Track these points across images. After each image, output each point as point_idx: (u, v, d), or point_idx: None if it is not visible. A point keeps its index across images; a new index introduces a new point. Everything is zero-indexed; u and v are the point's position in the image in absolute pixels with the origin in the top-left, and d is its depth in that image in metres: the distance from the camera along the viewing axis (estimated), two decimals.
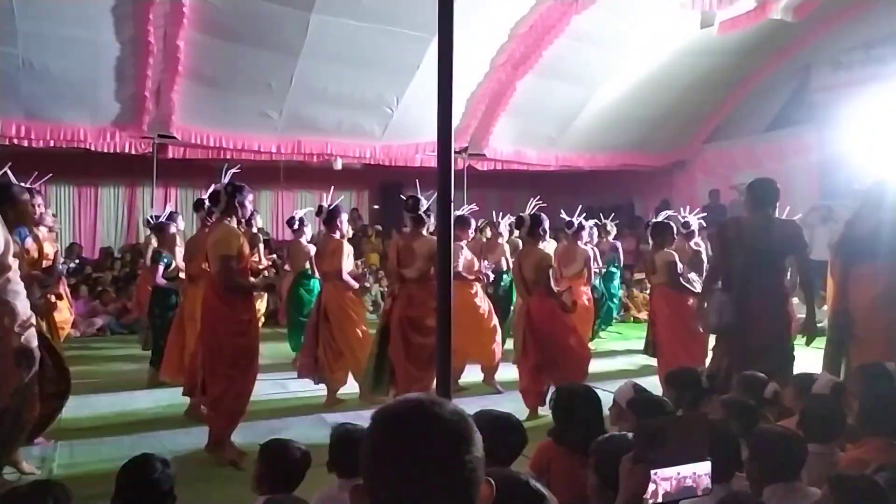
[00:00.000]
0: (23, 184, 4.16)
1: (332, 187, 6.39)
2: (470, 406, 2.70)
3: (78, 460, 4.42)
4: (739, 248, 4.32)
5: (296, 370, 6.25)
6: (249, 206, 4.65)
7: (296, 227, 7.50)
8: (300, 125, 10.12)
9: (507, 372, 6.05)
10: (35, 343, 2.85)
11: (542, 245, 5.70)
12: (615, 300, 9.63)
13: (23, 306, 2.80)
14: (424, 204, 5.30)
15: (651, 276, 6.24)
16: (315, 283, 7.05)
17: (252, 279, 4.66)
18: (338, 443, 2.60)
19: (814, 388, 3.19)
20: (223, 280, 4.36)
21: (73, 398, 5.18)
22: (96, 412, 5.53)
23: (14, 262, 2.79)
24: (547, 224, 5.76)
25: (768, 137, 11.96)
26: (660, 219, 6.41)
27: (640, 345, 7.77)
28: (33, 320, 2.86)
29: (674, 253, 6.23)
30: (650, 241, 6.40)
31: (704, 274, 5.77)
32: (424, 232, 5.37)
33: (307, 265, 7.17)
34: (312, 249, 7.20)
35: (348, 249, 6.02)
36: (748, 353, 4.06)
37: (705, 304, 4.54)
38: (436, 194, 2.80)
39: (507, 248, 8.08)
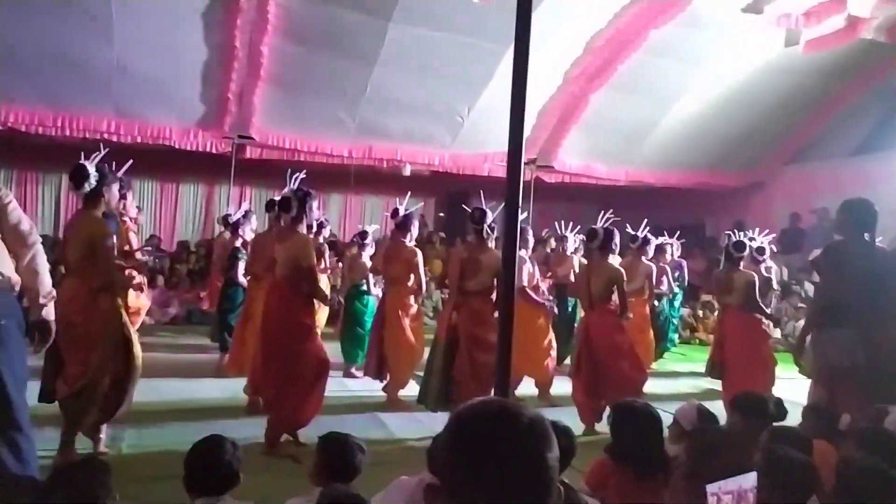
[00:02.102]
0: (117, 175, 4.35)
1: (409, 193, 6.45)
2: None
3: (145, 442, 4.58)
4: (852, 276, 3.93)
5: (345, 377, 6.36)
6: (316, 212, 4.76)
7: (365, 241, 7.29)
8: (372, 131, 10.27)
9: (565, 386, 5.98)
10: (53, 317, 2.98)
11: (611, 259, 5.62)
12: (675, 321, 9.37)
13: (48, 279, 2.92)
14: (490, 216, 5.24)
15: (725, 295, 6.06)
16: (370, 300, 7.09)
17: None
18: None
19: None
20: (309, 289, 4.47)
21: (144, 382, 5.41)
22: (164, 397, 5.73)
23: (38, 238, 2.93)
24: (618, 238, 5.69)
25: (854, 162, 11.50)
26: (740, 238, 6.22)
27: (703, 367, 7.49)
28: (55, 294, 3.00)
29: (754, 273, 6.07)
30: (724, 261, 6.23)
31: (775, 300, 5.49)
32: (490, 245, 5.30)
33: (363, 281, 7.12)
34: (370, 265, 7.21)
35: (420, 258, 6.06)
36: (870, 393, 3.75)
37: (814, 340, 4.13)
38: (502, 205, 2.79)
39: (575, 261, 7.95)
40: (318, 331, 5.03)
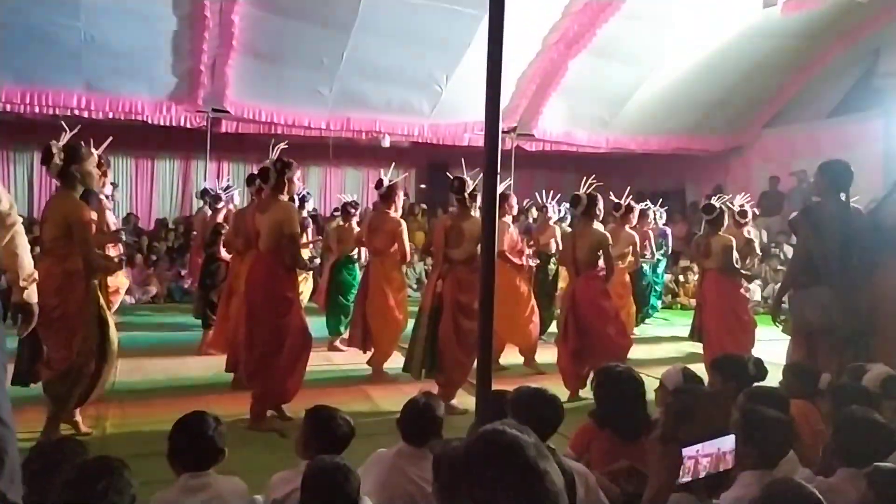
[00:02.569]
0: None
1: (393, 164, 6.39)
2: (510, 386, 2.74)
3: (130, 420, 4.58)
4: (828, 236, 3.97)
5: (329, 351, 6.39)
6: (297, 183, 4.69)
7: (351, 211, 7.34)
8: (350, 102, 10.19)
9: (550, 353, 6.06)
10: (35, 299, 2.92)
11: (595, 225, 5.62)
12: (658, 287, 9.43)
13: (29, 261, 2.87)
14: (471, 185, 5.23)
15: (703, 259, 6.14)
16: (357, 271, 7.13)
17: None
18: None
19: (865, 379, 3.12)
20: (290, 258, 4.46)
21: (127, 361, 5.41)
22: (148, 376, 5.73)
23: (18, 218, 2.85)
24: (602, 204, 5.71)
25: (831, 124, 11.56)
26: (715, 202, 6.27)
27: (687, 331, 7.68)
28: (36, 276, 2.93)
29: (731, 238, 6.14)
30: (703, 225, 6.30)
31: (758, 261, 5.53)
32: (473, 213, 5.28)
33: (354, 250, 7.16)
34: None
35: (404, 228, 6.06)
36: (850, 350, 3.83)
37: (791, 299, 4.19)
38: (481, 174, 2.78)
39: (557, 230, 7.96)
40: (302, 305, 5.02)
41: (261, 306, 4.49)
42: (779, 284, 9.64)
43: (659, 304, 9.53)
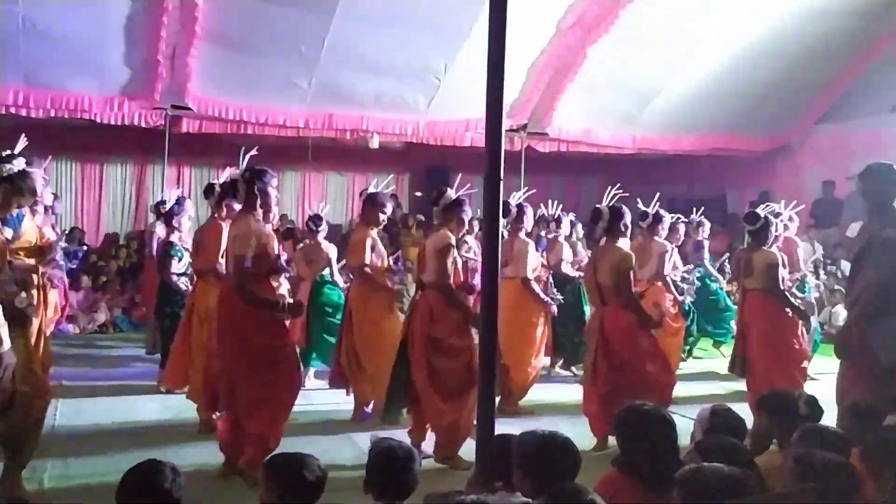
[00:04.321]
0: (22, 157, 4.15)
1: (381, 169, 6.40)
2: (518, 427, 2.76)
3: (73, 472, 4.58)
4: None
5: (308, 388, 6.37)
6: (274, 194, 4.68)
7: (312, 227, 7.43)
8: (332, 96, 10.18)
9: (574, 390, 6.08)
10: None
11: (621, 243, 5.62)
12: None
13: None
14: (450, 195, 5.23)
15: (745, 278, 6.14)
16: (337, 291, 7.22)
17: (268, 295, 4.63)
18: (377, 460, 2.68)
19: None
20: (237, 288, 4.47)
21: (70, 402, 5.42)
22: (94, 420, 5.74)
23: None
24: (629, 218, 5.66)
25: None
26: (759, 211, 6.29)
27: (726, 363, 7.45)
28: None
29: (777, 253, 6.17)
30: (746, 238, 6.32)
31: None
32: (447, 230, 5.22)
33: (327, 270, 7.27)
34: (333, 251, 7.37)
35: (371, 239, 6.06)
36: None
37: (871, 332, 4.14)
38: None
39: (566, 247, 8.07)
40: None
41: (235, 331, 4.53)
42: (836, 307, 9.90)
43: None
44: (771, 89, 11.49)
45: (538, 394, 6.68)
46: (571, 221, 8.48)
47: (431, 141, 11.18)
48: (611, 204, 5.75)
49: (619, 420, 2.98)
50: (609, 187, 6.13)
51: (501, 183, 2.69)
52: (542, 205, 8.57)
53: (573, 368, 7.88)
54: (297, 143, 11.54)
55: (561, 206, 8.15)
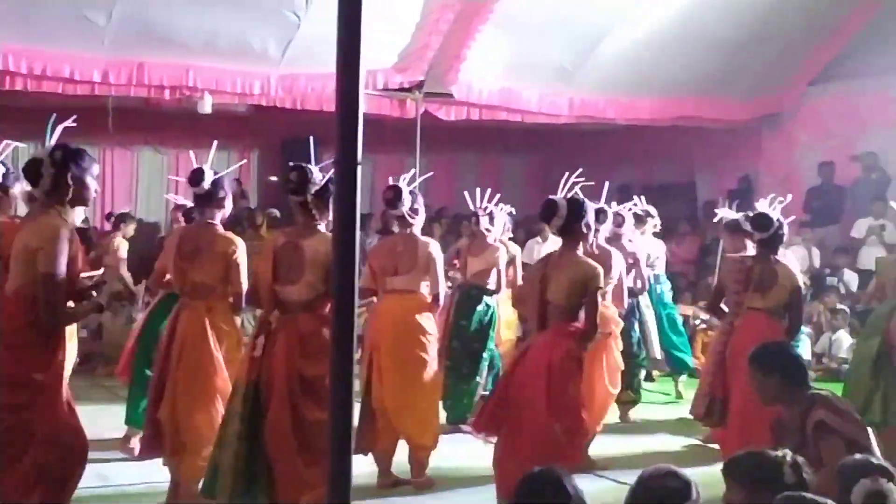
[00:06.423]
0: None
1: (216, 142, 6.50)
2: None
3: None
4: None
5: (126, 450, 6.75)
6: (93, 185, 4.81)
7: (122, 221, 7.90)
8: (143, 38, 9.82)
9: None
10: None
11: (580, 250, 5.69)
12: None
13: None
14: (317, 178, 5.29)
15: (754, 295, 6.29)
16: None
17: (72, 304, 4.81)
18: None
19: None
20: (44, 313, 4.53)
21: None
22: None
23: None
24: (593, 215, 5.84)
25: None
26: (769, 212, 6.43)
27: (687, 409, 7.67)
28: None
29: (796, 273, 6.50)
30: (758, 246, 6.47)
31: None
32: (322, 227, 5.34)
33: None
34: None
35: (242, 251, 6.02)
36: None
37: None
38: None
39: (502, 252, 8.21)
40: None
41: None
42: (837, 334, 10.19)
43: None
44: (752, 40, 11.70)
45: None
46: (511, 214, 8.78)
47: (288, 104, 11.17)
48: (568, 195, 5.79)
49: (518, 490, 3.24)
50: (568, 176, 6.02)
51: (359, 170, 2.45)
52: (467, 193, 8.57)
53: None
54: (92, 105, 11.05)
55: (497, 196, 8.28)
